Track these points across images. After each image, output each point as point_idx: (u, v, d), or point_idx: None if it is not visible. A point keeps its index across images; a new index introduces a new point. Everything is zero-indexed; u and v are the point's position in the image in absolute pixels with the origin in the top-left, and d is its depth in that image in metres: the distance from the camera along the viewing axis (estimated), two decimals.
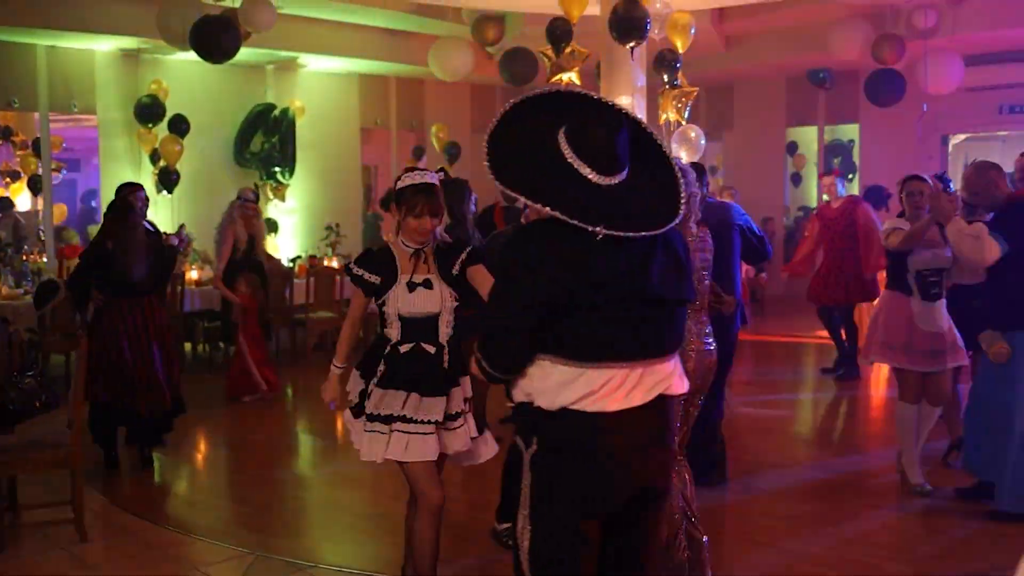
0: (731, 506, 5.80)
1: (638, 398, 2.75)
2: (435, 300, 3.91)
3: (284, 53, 12.51)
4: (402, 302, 3.89)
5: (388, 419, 3.86)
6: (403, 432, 3.84)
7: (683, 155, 8.40)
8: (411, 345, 3.92)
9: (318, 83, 13.81)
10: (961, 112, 13.33)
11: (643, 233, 2.69)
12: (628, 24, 7.85)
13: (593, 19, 8.74)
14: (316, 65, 13.50)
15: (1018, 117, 13.41)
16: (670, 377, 2.84)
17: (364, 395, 3.97)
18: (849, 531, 5.33)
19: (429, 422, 3.87)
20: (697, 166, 5.99)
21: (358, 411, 3.99)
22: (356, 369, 4.09)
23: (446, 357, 3.95)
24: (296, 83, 13.54)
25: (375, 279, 3.95)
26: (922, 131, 12.32)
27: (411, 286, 3.90)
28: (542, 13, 9.27)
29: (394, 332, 3.93)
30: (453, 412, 3.97)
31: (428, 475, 3.91)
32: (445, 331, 3.96)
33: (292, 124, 13.21)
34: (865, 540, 5.19)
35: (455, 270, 3.97)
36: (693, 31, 8.98)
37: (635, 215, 2.71)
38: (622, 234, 2.65)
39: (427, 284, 3.91)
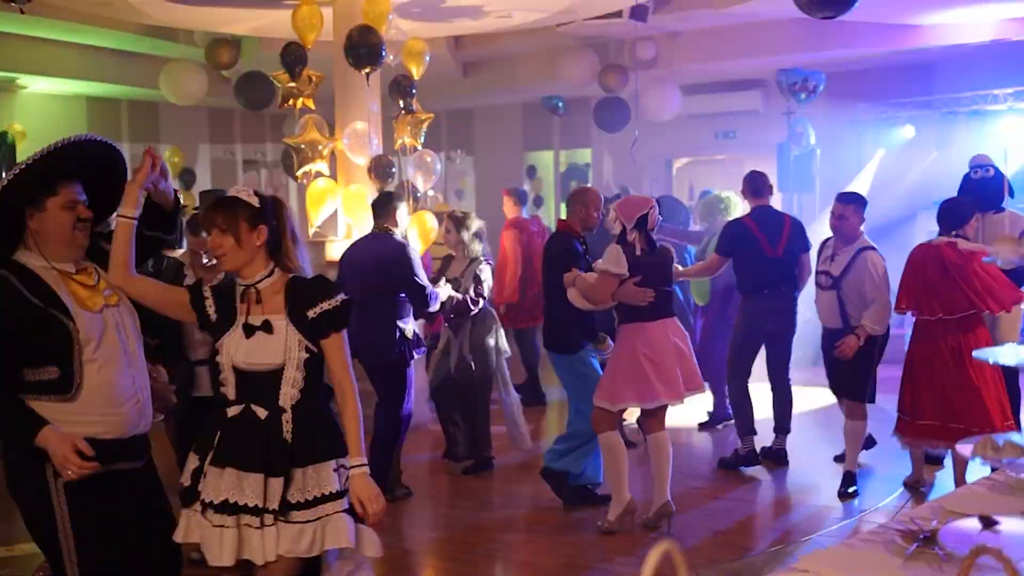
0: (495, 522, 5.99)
1: None
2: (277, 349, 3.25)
3: (1, 74, 11.77)
4: (235, 350, 3.26)
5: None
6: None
7: (420, 180, 8.56)
8: (241, 407, 3.26)
9: (41, 106, 13.05)
10: (682, 137, 14.30)
11: None
12: (363, 51, 7.92)
13: (328, 44, 8.78)
14: (38, 87, 12.77)
15: (731, 142, 14.54)
16: None
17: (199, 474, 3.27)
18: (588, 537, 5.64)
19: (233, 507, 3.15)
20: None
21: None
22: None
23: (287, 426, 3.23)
24: (16, 106, 12.74)
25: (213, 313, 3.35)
26: (648, 155, 13.08)
27: (248, 329, 3.26)
28: (276, 37, 9.21)
29: (229, 390, 3.28)
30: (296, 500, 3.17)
31: None
32: (289, 391, 3.24)
33: (12, 149, 12.35)
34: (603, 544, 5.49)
35: (311, 314, 3.26)
36: (428, 58, 9.18)
37: None
38: None
39: (266, 327, 3.26)
